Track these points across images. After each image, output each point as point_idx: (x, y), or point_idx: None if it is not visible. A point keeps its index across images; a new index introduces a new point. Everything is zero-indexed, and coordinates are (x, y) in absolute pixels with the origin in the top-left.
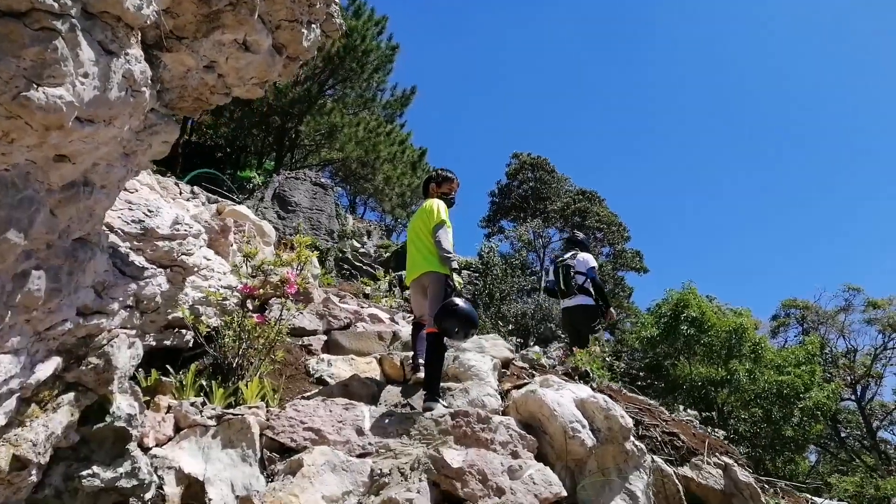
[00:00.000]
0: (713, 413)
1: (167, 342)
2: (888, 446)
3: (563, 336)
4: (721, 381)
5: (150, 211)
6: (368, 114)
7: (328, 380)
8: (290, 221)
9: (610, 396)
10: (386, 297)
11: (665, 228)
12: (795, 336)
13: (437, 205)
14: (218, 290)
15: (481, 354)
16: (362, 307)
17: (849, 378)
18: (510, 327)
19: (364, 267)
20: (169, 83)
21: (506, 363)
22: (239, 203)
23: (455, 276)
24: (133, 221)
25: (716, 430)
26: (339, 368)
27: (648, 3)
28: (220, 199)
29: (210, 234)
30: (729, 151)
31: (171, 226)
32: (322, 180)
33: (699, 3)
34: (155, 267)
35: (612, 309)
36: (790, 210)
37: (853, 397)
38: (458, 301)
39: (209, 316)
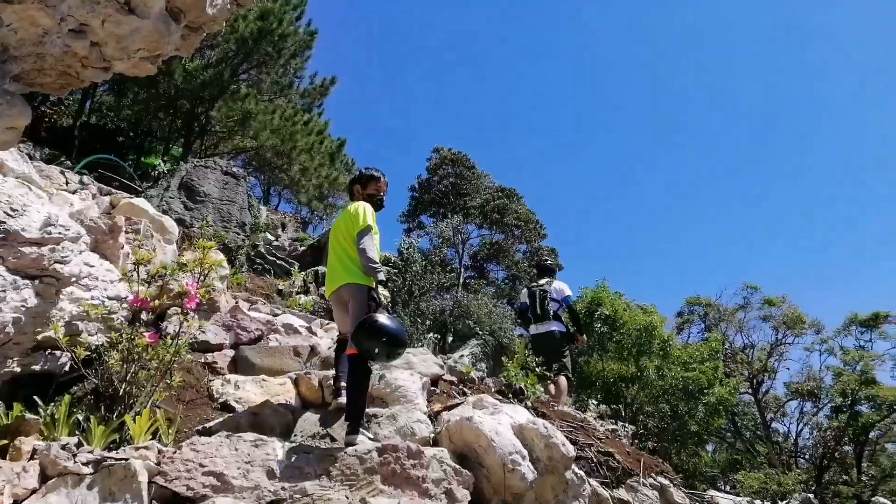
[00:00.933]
0: (621, 408)
1: (36, 367)
2: (779, 436)
3: (480, 333)
4: (631, 378)
5: (12, 210)
6: (285, 101)
7: (235, 405)
8: (199, 213)
9: (543, 415)
10: (300, 293)
11: (578, 226)
12: (699, 332)
13: (362, 208)
14: (103, 302)
15: (409, 372)
16: (276, 314)
17: (746, 373)
18: (428, 324)
19: (278, 262)
20: (17, 49)
21: (435, 380)
22: (140, 193)
23: (381, 288)
24: None
25: (626, 424)
26: (248, 391)
27: None
28: (114, 190)
29: (96, 234)
30: (641, 149)
31: (40, 228)
32: (234, 169)
33: None
34: (19, 277)
35: (583, 336)
36: (698, 207)
37: (750, 391)
38: (381, 317)
39: (91, 333)
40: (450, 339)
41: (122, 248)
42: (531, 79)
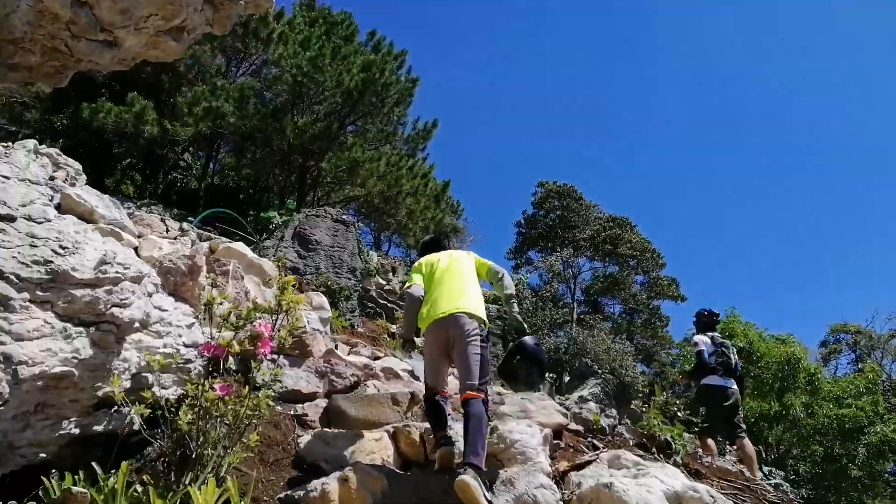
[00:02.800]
0: (762, 450)
1: (98, 427)
2: None
3: (599, 371)
4: (775, 417)
5: (62, 248)
6: (390, 148)
7: (323, 466)
8: (312, 260)
9: (697, 474)
10: None
11: (701, 253)
12: (848, 364)
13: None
14: (178, 350)
15: (527, 423)
16: (377, 356)
17: None
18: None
19: (389, 304)
20: None
21: (558, 430)
22: (256, 244)
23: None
24: (35, 263)
25: (773, 471)
26: (339, 449)
27: (658, 16)
28: (215, 236)
29: (174, 276)
30: (762, 169)
31: (95, 267)
32: (343, 217)
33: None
34: (70, 325)
35: None
36: (831, 227)
37: None
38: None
39: (164, 386)
40: (566, 378)
41: (204, 289)
42: (641, 101)
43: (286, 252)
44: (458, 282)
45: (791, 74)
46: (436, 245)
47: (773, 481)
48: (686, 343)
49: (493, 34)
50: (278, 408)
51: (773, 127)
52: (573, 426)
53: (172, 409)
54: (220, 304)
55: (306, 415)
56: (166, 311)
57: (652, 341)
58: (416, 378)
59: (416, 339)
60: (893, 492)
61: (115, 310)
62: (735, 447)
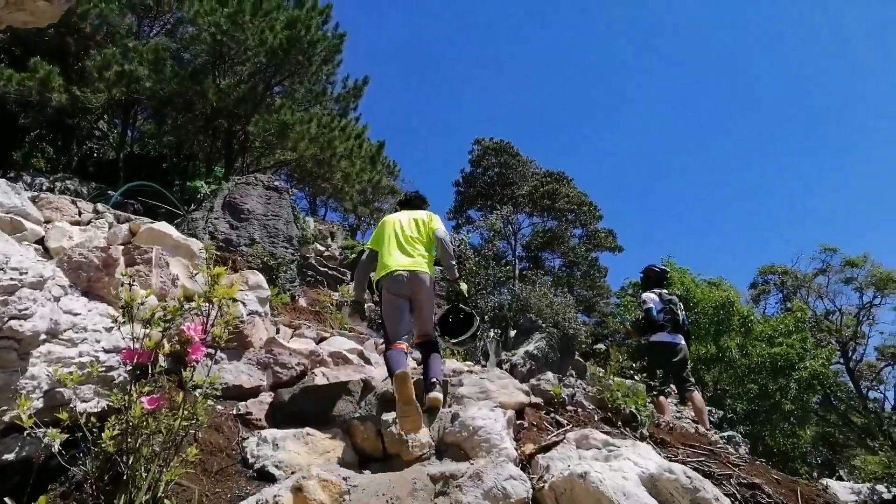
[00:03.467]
0: (702, 392)
1: (9, 455)
2: (876, 405)
3: (543, 325)
4: (712, 359)
5: None
6: (321, 109)
7: (274, 472)
8: (245, 230)
9: (663, 443)
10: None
11: (635, 203)
12: (776, 303)
13: (438, 218)
14: (97, 358)
15: (489, 406)
16: (323, 337)
17: (835, 341)
18: (487, 320)
19: (330, 272)
20: None
21: (520, 409)
22: (184, 216)
23: (463, 284)
24: None
25: (712, 410)
26: (290, 452)
27: None
28: (134, 217)
29: (87, 272)
30: (690, 115)
31: None
32: (276, 184)
33: None
34: None
35: None
36: (754, 170)
37: (841, 360)
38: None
39: (85, 399)
40: (512, 333)
41: (121, 285)
42: (565, 54)
43: (217, 223)
44: (411, 240)
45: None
46: (406, 204)
47: (725, 434)
48: (623, 292)
49: None
50: (219, 407)
51: (703, 73)
52: (533, 399)
53: (97, 427)
54: (142, 304)
55: (250, 413)
56: (79, 314)
57: (591, 292)
58: (367, 361)
59: (366, 302)
60: (819, 420)
61: (13, 323)
62: (686, 400)
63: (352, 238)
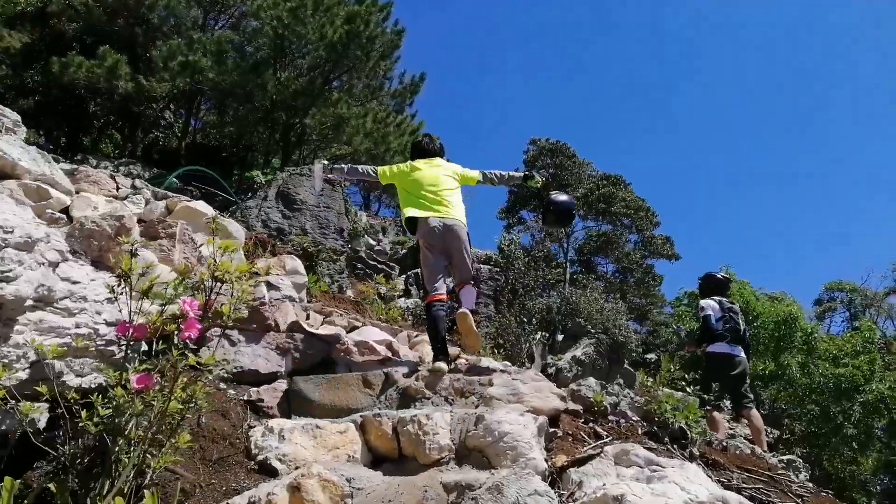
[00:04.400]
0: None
1: None
2: None
3: (592, 331)
4: (770, 376)
5: None
6: (377, 104)
7: (277, 465)
8: (297, 220)
9: (715, 465)
10: (401, 296)
11: (695, 212)
12: (842, 322)
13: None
14: (96, 330)
15: (518, 410)
16: (354, 326)
17: None
18: (535, 323)
19: (379, 266)
20: None
21: (554, 417)
22: (238, 205)
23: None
24: None
25: (768, 430)
26: (296, 444)
27: None
28: (173, 194)
29: (97, 240)
30: (760, 124)
31: None
32: (329, 176)
33: None
34: None
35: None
36: (827, 185)
37: None
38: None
39: (81, 374)
40: (559, 337)
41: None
42: (627, 55)
43: (269, 212)
44: (449, 191)
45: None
46: (425, 152)
47: (784, 457)
48: (678, 302)
49: None
50: (231, 391)
51: (769, 80)
52: (571, 406)
53: (79, 404)
54: (143, 273)
55: (262, 400)
56: (78, 283)
57: (645, 300)
58: (395, 354)
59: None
60: (883, 447)
61: None
62: (742, 418)
63: (403, 234)
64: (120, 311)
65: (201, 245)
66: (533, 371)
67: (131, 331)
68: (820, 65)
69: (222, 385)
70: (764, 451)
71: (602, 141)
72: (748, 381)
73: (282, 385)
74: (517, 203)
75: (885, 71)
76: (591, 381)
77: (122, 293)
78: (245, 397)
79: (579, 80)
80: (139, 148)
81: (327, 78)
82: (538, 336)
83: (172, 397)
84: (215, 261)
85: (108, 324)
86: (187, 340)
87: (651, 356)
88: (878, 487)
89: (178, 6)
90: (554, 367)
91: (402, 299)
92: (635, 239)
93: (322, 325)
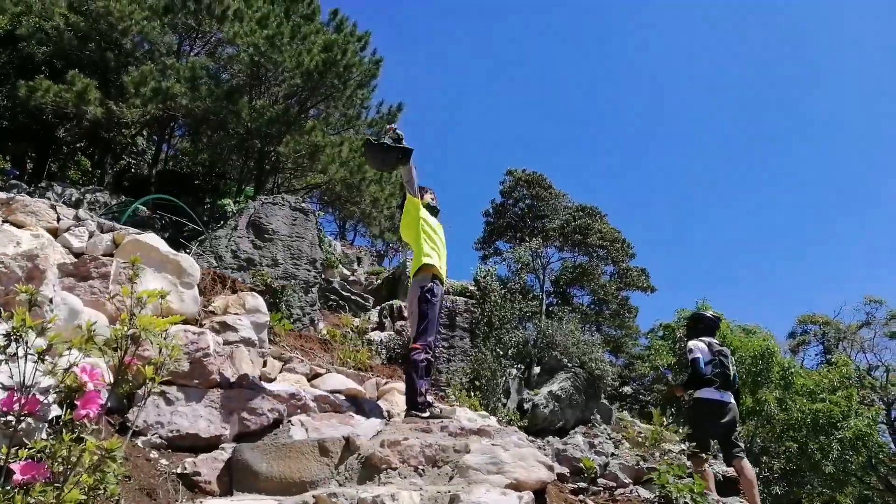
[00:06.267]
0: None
1: None
2: None
3: (569, 365)
4: (748, 412)
5: None
6: (353, 133)
7: None
8: (268, 251)
9: None
10: (375, 329)
11: (670, 243)
12: (816, 355)
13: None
14: None
15: (499, 488)
16: (317, 373)
17: (877, 399)
18: (511, 354)
19: (353, 297)
20: None
21: (540, 490)
22: (203, 233)
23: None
24: None
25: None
26: None
27: (639, 7)
28: (121, 227)
29: (3, 285)
30: (733, 157)
31: None
32: (302, 205)
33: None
34: None
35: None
36: (799, 219)
37: (883, 421)
38: None
39: None
40: (536, 371)
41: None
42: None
43: (240, 242)
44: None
45: (771, 64)
46: (432, 208)
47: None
48: (653, 334)
49: (461, 20)
50: (163, 462)
51: (744, 118)
52: (558, 469)
53: None
54: (44, 330)
55: (198, 473)
56: None
57: (620, 332)
58: (360, 409)
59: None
60: (858, 482)
61: None
62: (733, 468)
63: (378, 264)
64: (34, 367)
65: (135, 288)
66: (516, 436)
67: (22, 402)
68: (794, 91)
69: (154, 454)
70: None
71: (577, 171)
72: (739, 429)
73: (224, 454)
74: (493, 234)
75: (859, 101)
76: (579, 439)
77: (12, 355)
78: (179, 470)
79: (555, 110)
80: (108, 175)
81: (303, 106)
82: (514, 371)
83: (71, 489)
84: (132, 315)
85: (6, 388)
86: (87, 421)
87: (627, 389)
88: None
89: (152, 32)
90: (531, 403)
91: (376, 332)
92: (611, 270)
93: (280, 372)
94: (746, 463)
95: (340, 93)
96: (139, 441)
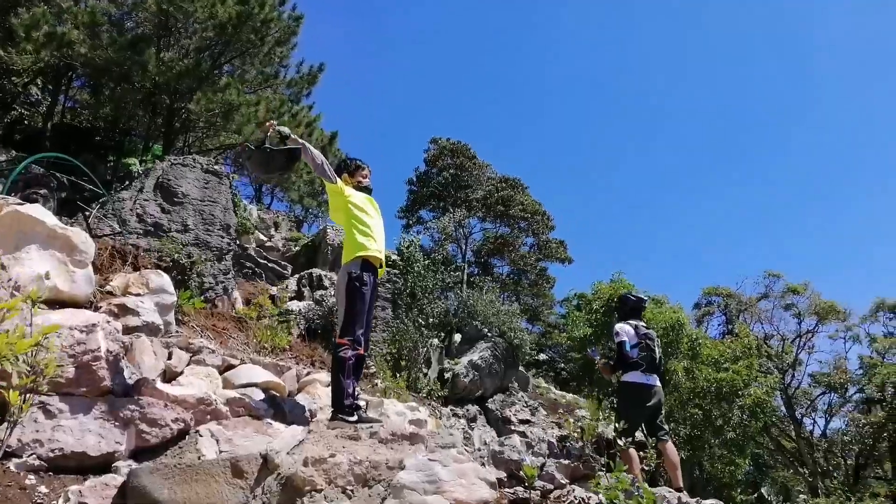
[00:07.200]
0: None
1: None
2: (805, 432)
3: (489, 335)
4: None
5: None
6: (272, 92)
7: None
8: (177, 215)
9: None
10: (293, 299)
11: (586, 215)
12: (719, 325)
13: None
14: None
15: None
16: (230, 364)
17: (773, 367)
18: (432, 323)
19: (270, 264)
20: None
21: None
22: (106, 196)
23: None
24: None
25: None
26: None
27: None
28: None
29: None
30: (647, 133)
31: None
32: (215, 167)
33: None
34: None
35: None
36: (709, 194)
37: (779, 387)
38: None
39: None
40: (457, 338)
41: None
42: (531, 63)
43: (146, 206)
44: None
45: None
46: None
47: (705, 502)
48: (568, 302)
49: None
50: (42, 489)
51: (661, 96)
52: (495, 473)
53: None
54: None
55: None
56: None
57: (537, 300)
58: (280, 412)
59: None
60: (756, 445)
61: None
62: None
63: (297, 230)
64: None
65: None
66: (454, 449)
67: None
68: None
69: (30, 479)
70: (679, 487)
71: (501, 143)
72: (664, 411)
73: (118, 478)
74: (416, 202)
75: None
76: (516, 439)
77: None
78: (60, 501)
79: (483, 81)
80: None
81: (217, 61)
82: (436, 341)
83: None
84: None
85: None
86: None
87: (542, 356)
88: (747, 477)
89: None
90: (451, 372)
91: (294, 301)
92: (531, 241)
93: (188, 365)
94: (670, 445)
95: (258, 49)
96: (12, 464)
